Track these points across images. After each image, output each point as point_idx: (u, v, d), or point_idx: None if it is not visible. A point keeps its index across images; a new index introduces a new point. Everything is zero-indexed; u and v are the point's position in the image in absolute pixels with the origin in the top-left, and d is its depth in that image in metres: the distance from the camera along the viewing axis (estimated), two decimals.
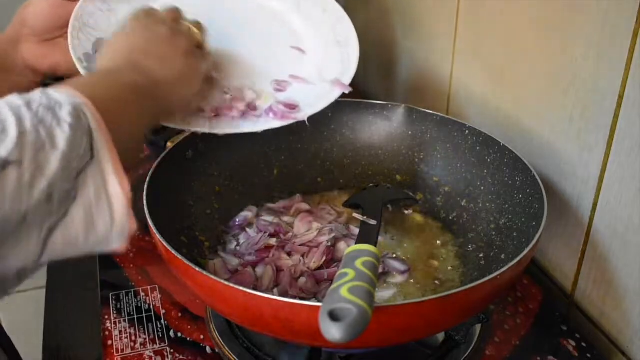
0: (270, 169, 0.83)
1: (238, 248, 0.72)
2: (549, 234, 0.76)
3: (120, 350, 0.65)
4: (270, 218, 0.76)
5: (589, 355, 0.66)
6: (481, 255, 0.70)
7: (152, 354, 0.65)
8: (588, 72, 0.66)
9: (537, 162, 0.75)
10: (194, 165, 0.76)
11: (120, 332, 0.68)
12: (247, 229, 0.75)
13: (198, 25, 0.66)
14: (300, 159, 0.84)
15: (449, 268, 0.71)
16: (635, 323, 0.65)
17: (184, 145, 0.74)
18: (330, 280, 0.65)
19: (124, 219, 0.43)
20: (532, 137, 0.77)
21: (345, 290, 0.47)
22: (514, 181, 0.70)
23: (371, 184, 0.83)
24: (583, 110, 0.67)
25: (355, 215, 0.73)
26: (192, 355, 0.65)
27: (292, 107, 0.70)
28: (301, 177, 0.84)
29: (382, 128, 0.84)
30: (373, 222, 0.68)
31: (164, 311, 0.71)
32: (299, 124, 0.69)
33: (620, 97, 0.62)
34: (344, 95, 0.73)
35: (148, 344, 0.66)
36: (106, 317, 0.70)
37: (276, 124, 0.68)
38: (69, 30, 0.66)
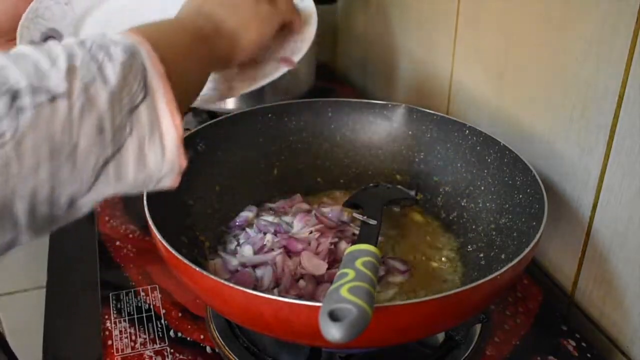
0: (270, 169, 0.83)
1: (238, 248, 0.72)
2: (549, 234, 0.76)
3: (120, 350, 0.65)
4: (270, 218, 0.76)
5: (589, 355, 0.66)
6: (481, 255, 0.70)
7: (152, 354, 0.65)
8: (588, 72, 0.66)
9: (537, 162, 0.75)
10: (194, 165, 0.75)
11: (120, 331, 0.68)
12: (247, 229, 0.75)
13: None
14: (300, 159, 0.84)
15: (449, 268, 0.71)
16: (635, 323, 0.65)
17: (184, 145, 0.74)
18: (330, 281, 0.65)
19: (175, 156, 0.44)
20: (532, 137, 0.77)
21: (345, 291, 0.47)
22: (514, 181, 0.70)
23: (371, 184, 0.83)
24: (583, 110, 0.67)
25: (355, 215, 0.73)
26: (192, 355, 0.65)
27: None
28: (301, 177, 0.84)
29: (382, 128, 0.84)
30: (373, 222, 0.68)
31: (164, 311, 0.71)
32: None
33: (620, 97, 0.62)
34: (344, 95, 0.73)
35: (148, 344, 0.66)
36: (106, 317, 0.70)
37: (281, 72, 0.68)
38: (21, 20, 0.66)
